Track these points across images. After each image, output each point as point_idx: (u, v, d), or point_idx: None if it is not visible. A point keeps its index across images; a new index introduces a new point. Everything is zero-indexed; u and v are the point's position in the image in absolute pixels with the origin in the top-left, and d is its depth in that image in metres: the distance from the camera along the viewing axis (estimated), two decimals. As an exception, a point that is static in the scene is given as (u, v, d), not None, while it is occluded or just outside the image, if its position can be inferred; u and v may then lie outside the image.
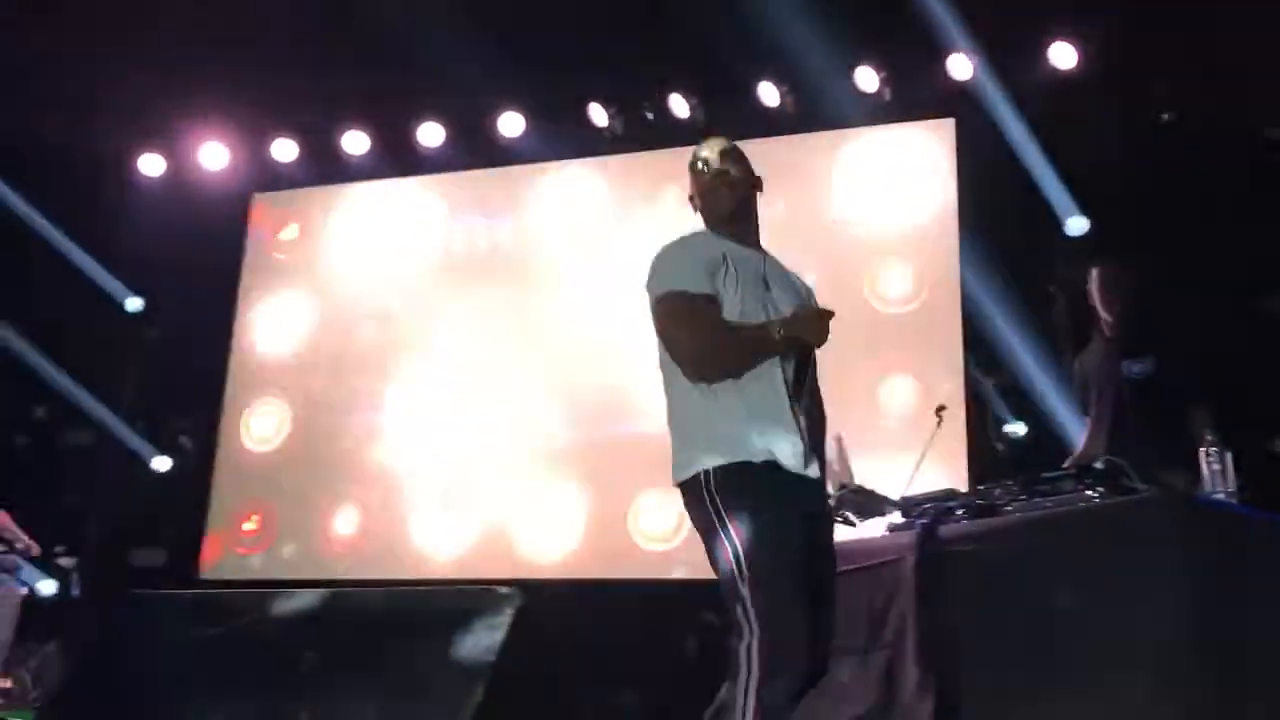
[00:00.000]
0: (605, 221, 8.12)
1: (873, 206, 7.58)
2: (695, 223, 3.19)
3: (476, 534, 7.68)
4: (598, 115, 8.16)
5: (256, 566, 8.05)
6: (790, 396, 2.91)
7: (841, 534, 4.39)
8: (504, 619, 1.39)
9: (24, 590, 6.19)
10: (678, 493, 2.95)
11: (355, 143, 8.69)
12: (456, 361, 8.11)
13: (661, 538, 7.24)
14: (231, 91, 8.22)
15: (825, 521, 3.07)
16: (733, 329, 2.90)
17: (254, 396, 8.61)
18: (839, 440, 4.40)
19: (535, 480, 7.65)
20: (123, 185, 8.93)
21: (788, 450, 2.86)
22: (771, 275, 3.05)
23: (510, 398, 7.86)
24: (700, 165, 3.12)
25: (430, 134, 8.52)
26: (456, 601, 1.55)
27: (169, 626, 1.73)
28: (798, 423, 2.91)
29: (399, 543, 7.84)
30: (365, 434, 8.21)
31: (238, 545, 8.23)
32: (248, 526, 8.26)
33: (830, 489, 4.35)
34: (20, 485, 8.05)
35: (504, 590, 1.52)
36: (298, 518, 8.15)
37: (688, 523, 2.96)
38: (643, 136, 8.15)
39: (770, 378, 2.90)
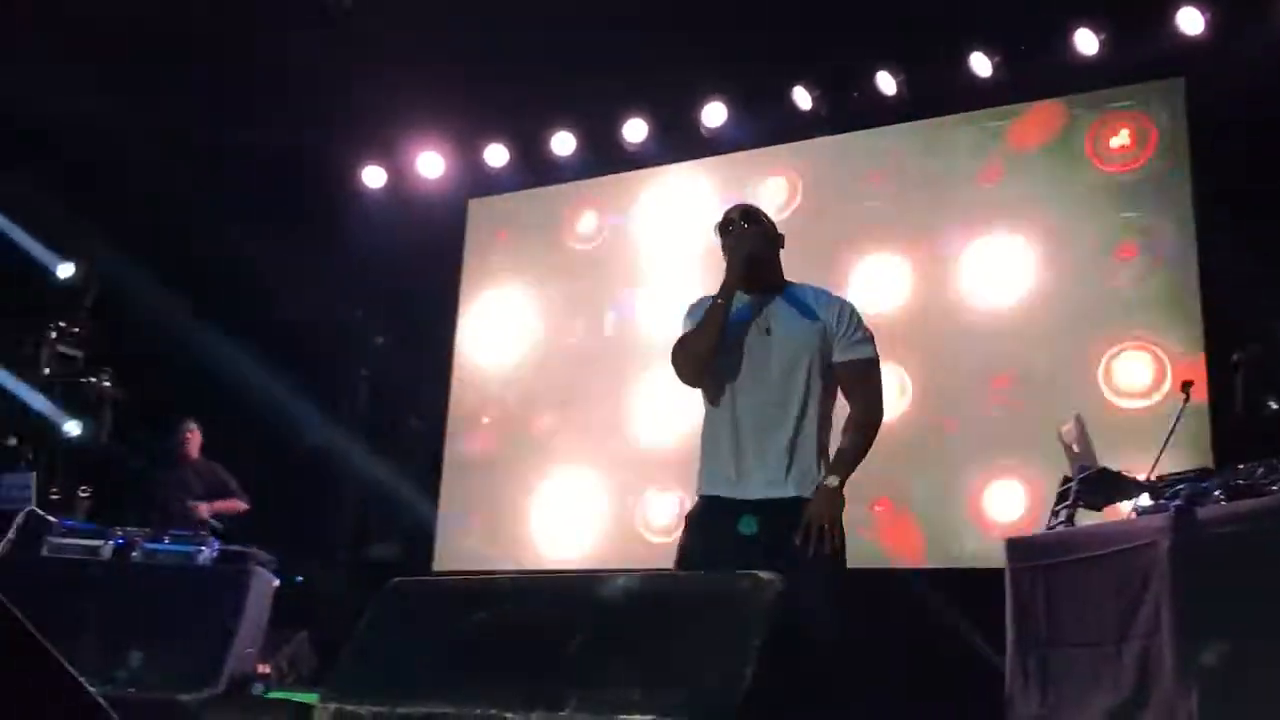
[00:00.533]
0: (811, 205, 8.00)
1: (1100, 172, 7.19)
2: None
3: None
4: (802, 98, 8.05)
5: (483, 559, 8.30)
6: (737, 425, 3.28)
7: (1083, 518, 4.19)
8: (765, 603, 1.35)
9: (276, 582, 6.57)
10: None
11: (563, 144, 8.86)
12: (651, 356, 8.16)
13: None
14: (445, 101, 8.52)
15: (768, 540, 3.11)
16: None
17: (476, 393, 8.89)
18: (1078, 421, 4.19)
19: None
20: (348, 196, 9.37)
21: (719, 478, 3.28)
22: (777, 313, 3.39)
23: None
24: (715, 234, 3.55)
25: (634, 130, 8.59)
26: (718, 585, 1.53)
27: (432, 610, 1.77)
28: (742, 449, 3.26)
29: (628, 527, 7.97)
30: (584, 428, 8.36)
31: (466, 538, 8.53)
32: (474, 521, 8.55)
33: (1069, 471, 4.15)
34: (263, 483, 8.60)
35: (765, 575, 1.49)
36: (518, 511, 8.38)
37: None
38: (849, 118, 8.01)
39: (722, 412, 3.34)
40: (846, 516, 3.20)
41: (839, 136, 8.06)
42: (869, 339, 3.38)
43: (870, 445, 3.28)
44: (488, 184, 9.30)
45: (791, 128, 8.15)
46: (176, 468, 7.63)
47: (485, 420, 8.82)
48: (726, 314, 3.32)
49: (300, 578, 8.40)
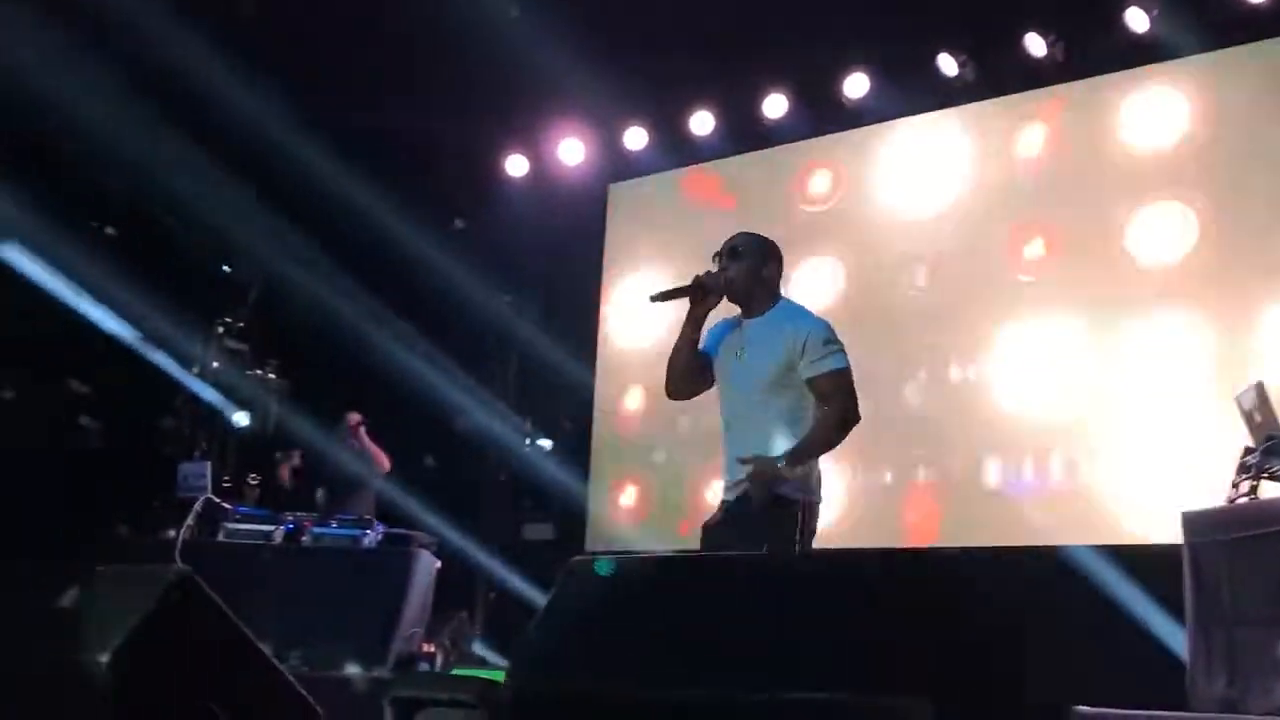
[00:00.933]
0: (959, 173, 7.81)
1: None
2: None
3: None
4: (947, 65, 7.84)
5: (637, 538, 8.37)
6: (726, 438, 3.90)
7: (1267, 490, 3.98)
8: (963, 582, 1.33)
9: (437, 563, 6.77)
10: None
11: (702, 123, 8.83)
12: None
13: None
14: (584, 86, 8.57)
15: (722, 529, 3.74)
16: None
17: (621, 376, 8.97)
18: (1259, 388, 3.98)
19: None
20: (492, 185, 9.53)
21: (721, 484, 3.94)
22: (751, 336, 3.89)
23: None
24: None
25: (774, 106, 8.50)
26: (911, 563, 1.50)
27: (617, 588, 1.79)
28: (728, 459, 3.83)
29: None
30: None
31: (618, 518, 8.62)
32: (625, 501, 8.64)
33: (1251, 442, 3.96)
34: (418, 466, 8.86)
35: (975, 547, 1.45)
36: (667, 489, 8.42)
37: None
38: (997, 82, 7.78)
39: (721, 426, 3.96)
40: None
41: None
42: (833, 353, 3.78)
43: (831, 442, 3.78)
44: (628, 168, 9.34)
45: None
46: (340, 455, 7.89)
47: (631, 403, 8.88)
48: (689, 345, 3.94)
49: (459, 559, 8.63)
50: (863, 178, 8.25)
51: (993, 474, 7.28)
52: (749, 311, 3.96)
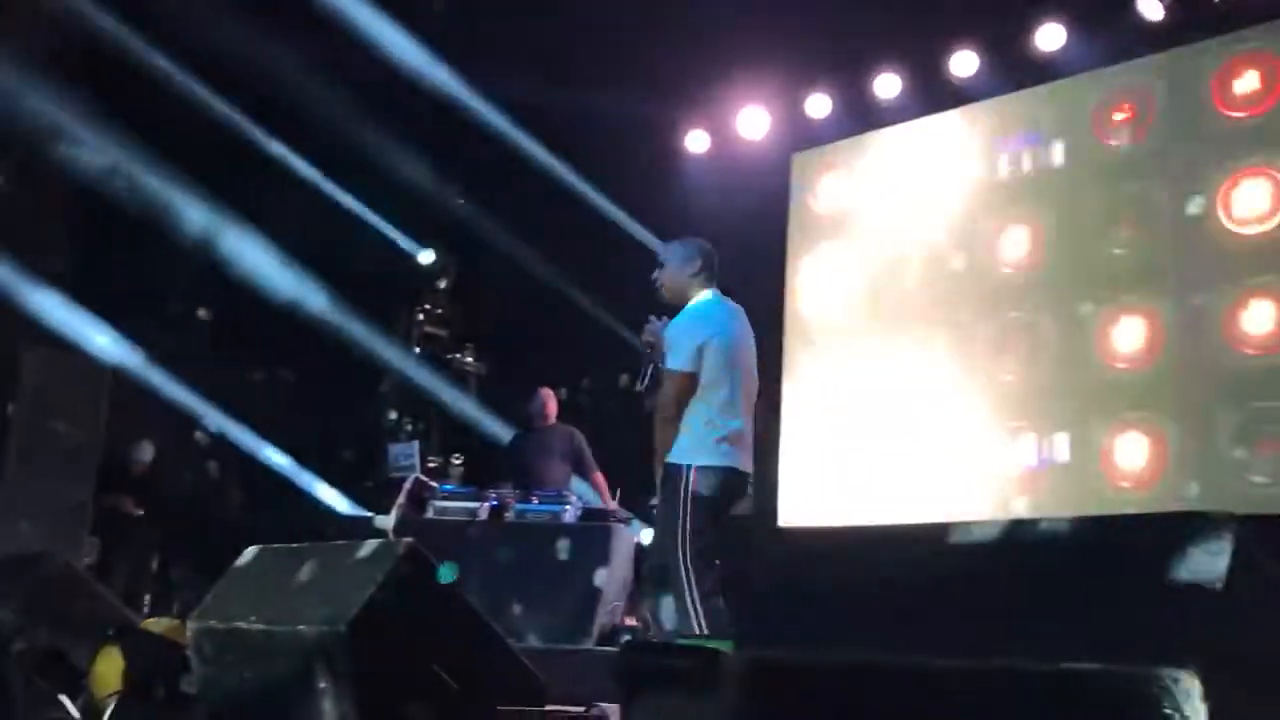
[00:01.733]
0: (1164, 123, 7.37)
1: None
2: None
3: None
4: (1148, 8, 7.41)
5: (828, 513, 8.28)
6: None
7: None
8: (1223, 545, 1.25)
9: (636, 538, 6.85)
10: None
11: (887, 86, 8.62)
12: (1003, 297, 7.80)
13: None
14: (765, 56, 8.49)
15: None
16: None
17: (807, 353, 8.87)
18: None
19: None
20: (673, 160, 9.55)
21: None
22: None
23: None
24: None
25: (963, 63, 8.22)
26: (1159, 528, 1.43)
27: (830, 558, 1.77)
28: None
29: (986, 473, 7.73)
30: (925, 380, 8.15)
31: (808, 492, 8.54)
32: (814, 475, 8.55)
33: None
34: (612, 443, 8.97)
35: (1217, 512, 1.37)
36: (860, 463, 8.30)
37: None
38: (1201, 22, 7.30)
39: None
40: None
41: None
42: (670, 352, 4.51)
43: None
44: (810, 136, 9.20)
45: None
46: (537, 433, 8.02)
47: (818, 374, 8.77)
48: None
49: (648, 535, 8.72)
50: (1062, 133, 7.87)
51: None
52: None
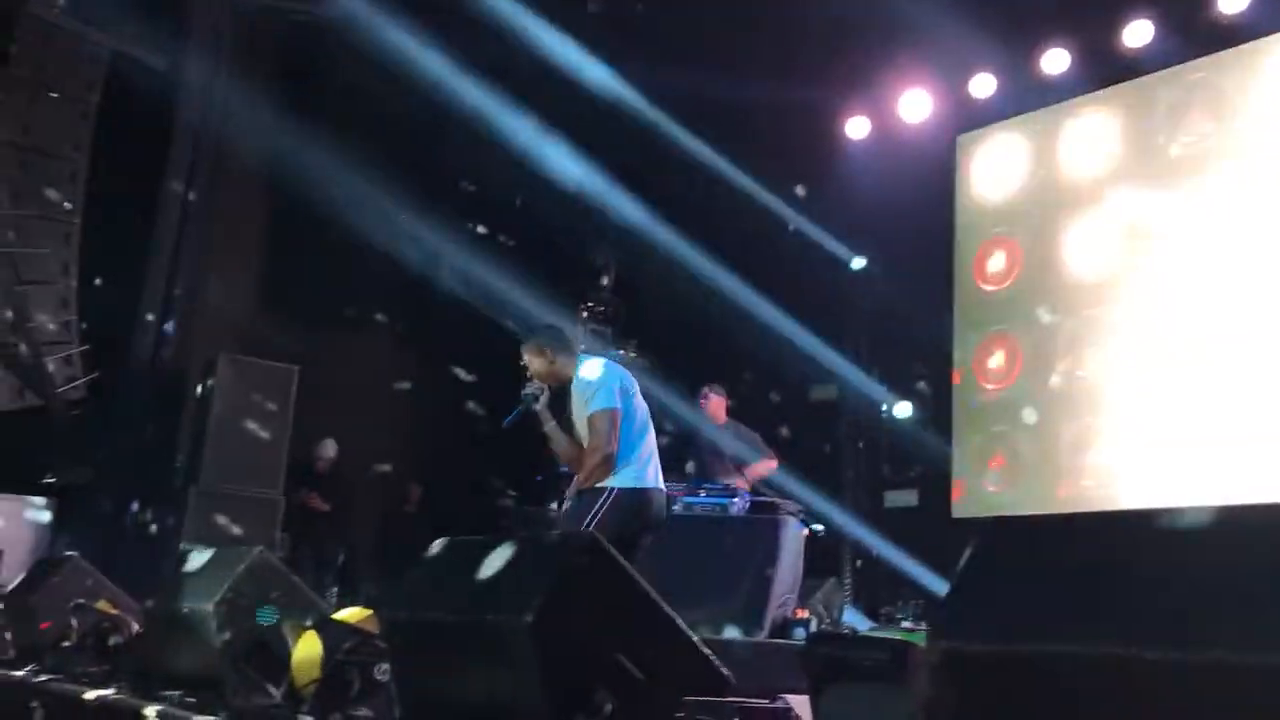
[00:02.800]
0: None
1: None
2: None
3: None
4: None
5: (1007, 503, 8.06)
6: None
7: None
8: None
9: (805, 531, 6.81)
10: None
11: (1055, 61, 8.32)
12: (1188, 277, 7.42)
13: None
14: (925, 37, 8.32)
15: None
16: None
17: (982, 336, 8.64)
18: None
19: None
20: (835, 148, 9.45)
21: None
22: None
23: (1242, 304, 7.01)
24: None
25: (1137, 33, 7.86)
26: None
27: (1039, 548, 1.72)
28: None
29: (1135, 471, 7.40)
30: (1099, 363, 7.84)
31: (987, 483, 8.32)
32: (993, 464, 8.32)
33: None
34: (778, 437, 8.93)
35: None
36: (1040, 451, 8.04)
37: None
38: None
39: None
40: None
41: None
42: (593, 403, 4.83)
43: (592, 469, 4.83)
44: (975, 117, 8.96)
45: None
46: (705, 430, 8.02)
47: (994, 361, 8.53)
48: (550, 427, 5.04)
49: (820, 527, 8.65)
50: (1249, 101, 7.44)
51: None
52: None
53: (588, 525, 4.65)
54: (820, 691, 2.21)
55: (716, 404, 7.98)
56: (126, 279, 9.80)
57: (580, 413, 4.93)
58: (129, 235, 9.56)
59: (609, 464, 4.80)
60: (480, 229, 9.63)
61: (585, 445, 4.92)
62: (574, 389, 4.95)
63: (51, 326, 9.25)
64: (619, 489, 4.80)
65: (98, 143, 9.37)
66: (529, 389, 4.96)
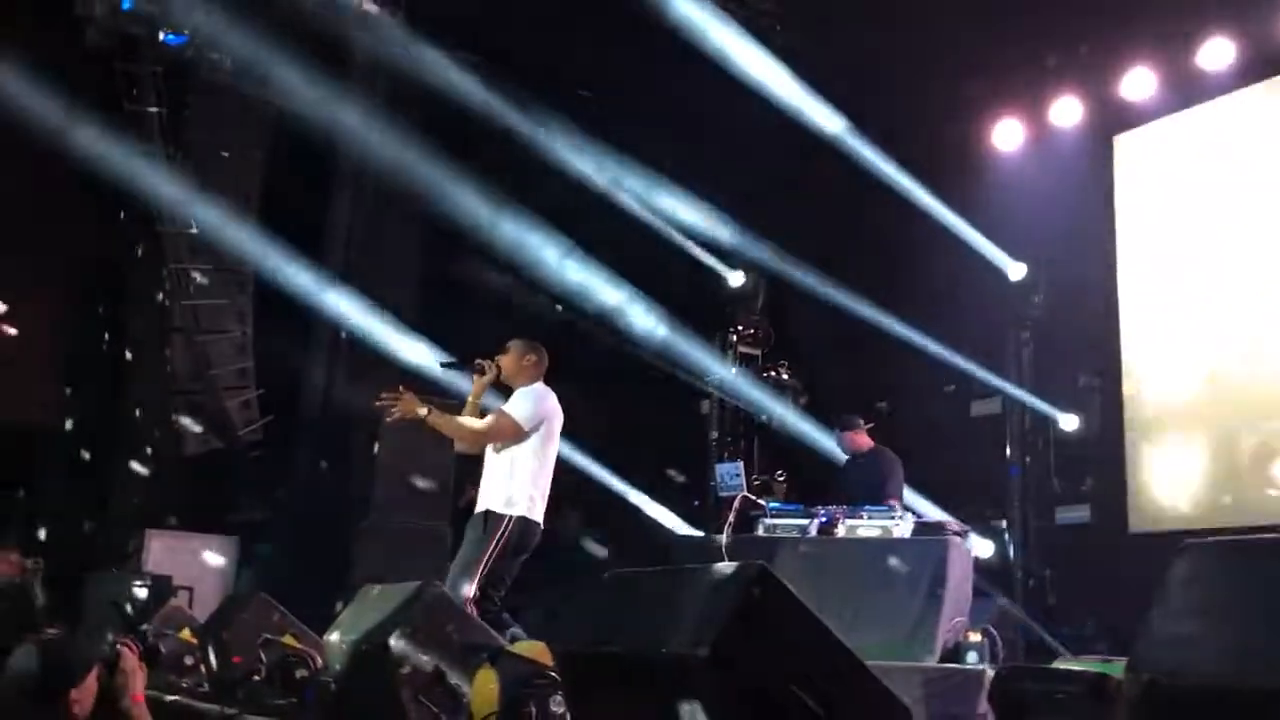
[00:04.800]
0: None
1: None
2: None
3: None
4: None
5: (1186, 517, 7.69)
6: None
7: None
8: None
9: (974, 551, 6.62)
10: None
11: (1216, 53, 7.94)
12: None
13: None
14: (1073, 37, 8.08)
15: None
16: None
17: (1151, 344, 8.29)
18: None
19: None
20: (987, 157, 9.22)
21: None
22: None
23: None
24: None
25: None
26: None
27: (1243, 571, 1.64)
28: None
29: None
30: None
31: (1163, 497, 7.96)
32: (1169, 476, 7.95)
33: None
34: (940, 455, 8.73)
35: None
36: (1220, 461, 7.64)
37: None
38: None
39: None
40: None
41: None
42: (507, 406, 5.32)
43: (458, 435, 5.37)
44: (1132, 116, 8.63)
45: None
46: (859, 460, 7.82)
47: (1162, 369, 8.17)
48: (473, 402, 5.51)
49: (988, 546, 8.40)
50: None
51: None
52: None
53: (490, 548, 5.09)
54: (1010, 724, 2.14)
55: (857, 440, 7.74)
56: (296, 324, 10.25)
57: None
58: (295, 282, 9.99)
59: (474, 444, 5.32)
60: (627, 255, 9.70)
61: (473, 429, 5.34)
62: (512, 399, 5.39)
63: (230, 373, 9.75)
64: (517, 516, 5.19)
65: (265, 193, 9.89)
66: (481, 361, 5.45)
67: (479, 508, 5.32)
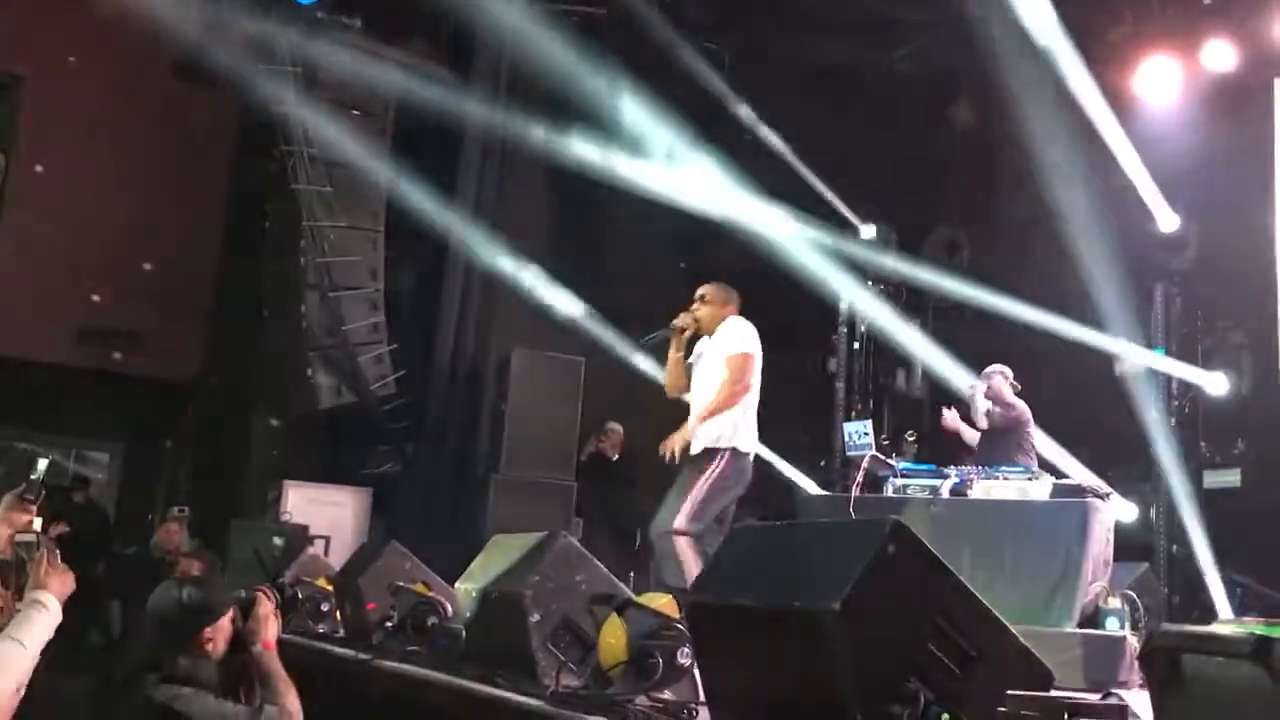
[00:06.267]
0: None
1: None
2: None
3: None
4: None
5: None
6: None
7: None
8: None
9: (1115, 514, 6.36)
10: None
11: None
12: None
13: None
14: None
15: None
16: None
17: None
18: None
19: None
20: (1137, 104, 8.77)
21: None
22: (701, 351, 5.62)
23: None
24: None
25: None
26: None
27: None
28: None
29: None
30: None
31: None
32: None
33: None
34: (1084, 415, 8.43)
35: None
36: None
37: None
38: None
39: None
40: None
41: None
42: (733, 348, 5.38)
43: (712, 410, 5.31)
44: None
45: None
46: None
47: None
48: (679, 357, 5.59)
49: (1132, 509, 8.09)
50: None
51: None
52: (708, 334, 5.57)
53: (706, 483, 5.16)
54: (1166, 690, 2.02)
55: (985, 391, 7.52)
56: (427, 280, 10.42)
57: (708, 360, 5.44)
58: (427, 239, 10.14)
59: (734, 399, 5.26)
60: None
61: (693, 387, 5.44)
62: (711, 342, 5.46)
63: (363, 328, 9.97)
64: (732, 450, 5.24)
65: (394, 152, 10.04)
66: (679, 321, 5.47)
67: (696, 445, 5.32)
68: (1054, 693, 2.75)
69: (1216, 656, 1.88)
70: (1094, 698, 2.57)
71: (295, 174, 9.77)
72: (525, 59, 9.14)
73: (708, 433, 5.33)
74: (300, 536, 8.57)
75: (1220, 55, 8.39)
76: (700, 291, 5.57)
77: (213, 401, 11.64)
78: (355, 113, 10.07)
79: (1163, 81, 8.71)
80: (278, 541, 8.23)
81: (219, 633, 3.16)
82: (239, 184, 11.92)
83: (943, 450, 8.14)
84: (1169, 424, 8.55)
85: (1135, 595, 6.81)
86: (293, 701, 3.19)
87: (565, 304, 9.49)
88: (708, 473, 5.21)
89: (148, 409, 11.74)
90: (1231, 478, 8.27)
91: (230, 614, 3.21)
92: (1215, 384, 8.45)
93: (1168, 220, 8.59)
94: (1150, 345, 8.74)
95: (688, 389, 5.58)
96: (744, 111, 9.60)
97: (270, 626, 3.25)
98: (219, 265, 12.09)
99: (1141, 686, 2.63)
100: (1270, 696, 1.81)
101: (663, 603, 3.71)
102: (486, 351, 10.02)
